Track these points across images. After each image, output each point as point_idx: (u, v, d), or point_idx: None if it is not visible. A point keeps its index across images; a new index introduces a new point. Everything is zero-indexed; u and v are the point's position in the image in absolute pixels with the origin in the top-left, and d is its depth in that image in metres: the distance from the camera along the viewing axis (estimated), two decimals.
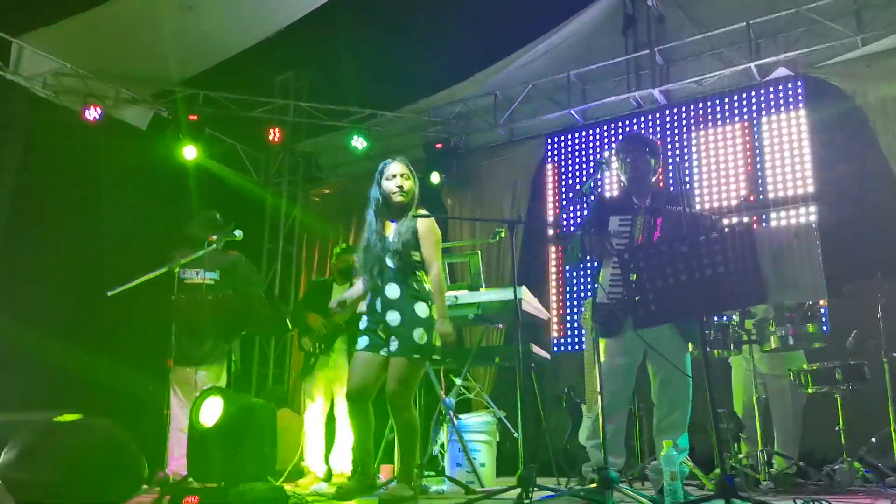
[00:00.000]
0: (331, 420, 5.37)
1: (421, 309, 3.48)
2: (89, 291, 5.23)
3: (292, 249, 8.85)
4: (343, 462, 5.15)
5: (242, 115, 7.99)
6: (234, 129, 8.20)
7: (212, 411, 3.15)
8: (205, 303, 3.74)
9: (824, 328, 5.64)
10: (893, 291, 4.56)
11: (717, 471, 3.30)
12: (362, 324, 3.60)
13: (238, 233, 4.49)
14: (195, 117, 7.52)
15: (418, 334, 3.44)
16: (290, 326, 4.71)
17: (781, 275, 3.00)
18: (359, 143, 7.80)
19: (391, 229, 3.60)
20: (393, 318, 3.47)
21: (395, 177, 3.59)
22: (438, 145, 7.73)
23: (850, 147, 6.14)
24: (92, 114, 6.92)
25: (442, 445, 4.59)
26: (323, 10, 6.93)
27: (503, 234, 3.81)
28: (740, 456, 4.42)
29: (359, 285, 3.73)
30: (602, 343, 3.65)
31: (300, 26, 7.13)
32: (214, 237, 4.42)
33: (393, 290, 3.51)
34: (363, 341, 3.55)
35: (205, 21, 6.70)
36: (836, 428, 4.41)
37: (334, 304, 3.75)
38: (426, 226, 3.56)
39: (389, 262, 3.52)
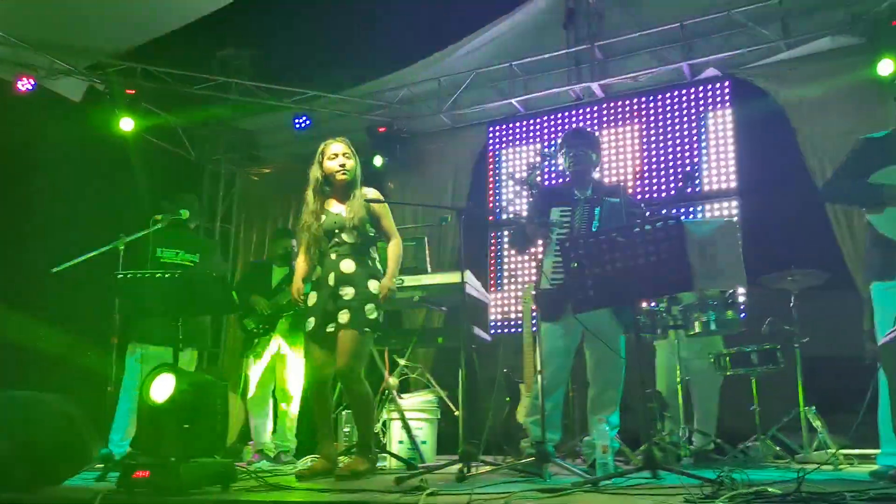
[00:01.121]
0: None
1: (373, 285, 3.62)
2: (30, 268, 5.13)
3: (230, 229, 8.79)
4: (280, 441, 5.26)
5: (181, 90, 7.87)
6: (172, 104, 8.07)
7: (163, 388, 3.19)
8: (151, 280, 3.75)
9: (742, 315, 6.03)
10: (805, 281, 4.93)
11: (644, 446, 3.55)
12: (310, 300, 3.67)
13: (184, 212, 4.51)
14: (133, 91, 7.37)
15: (370, 308, 3.56)
16: (237, 305, 4.75)
17: (706, 265, 3.25)
18: (301, 123, 7.80)
19: (334, 206, 3.71)
20: (347, 291, 3.57)
21: (338, 156, 3.70)
22: (382, 129, 7.80)
23: (772, 145, 6.53)
24: (24, 85, 6.72)
25: (384, 423, 4.73)
26: None
27: (450, 220, 3.97)
28: (664, 433, 4.72)
29: (303, 265, 3.79)
30: (543, 326, 3.86)
31: (245, 3, 7.08)
32: (160, 217, 4.45)
33: (348, 265, 3.62)
34: (310, 324, 3.63)
35: None
36: (752, 408, 4.77)
37: (299, 293, 3.79)
38: (379, 199, 3.71)
39: (347, 238, 3.62)
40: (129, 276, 3.60)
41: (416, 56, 7.79)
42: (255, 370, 5.33)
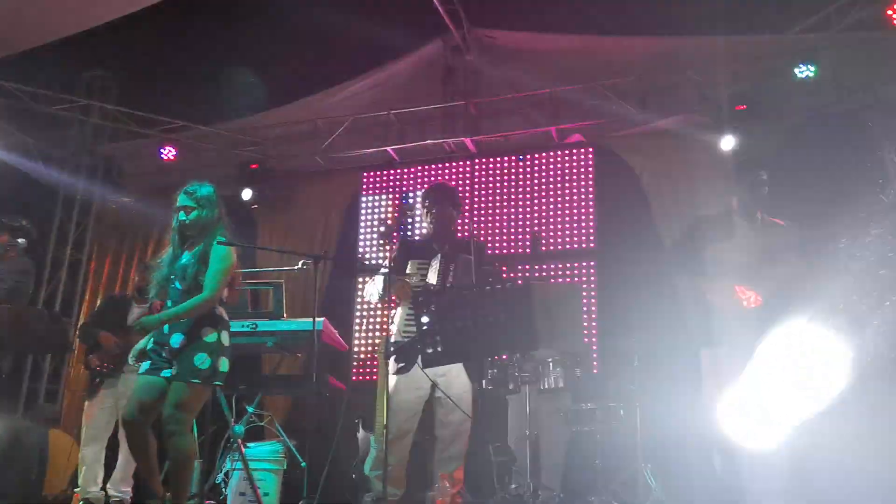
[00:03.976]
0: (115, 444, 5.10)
1: (207, 334, 3.50)
2: None
3: (81, 258, 8.26)
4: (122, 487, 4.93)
5: (39, 109, 7.43)
6: (28, 123, 7.58)
7: None
8: None
9: (594, 371, 6.28)
10: (649, 343, 5.20)
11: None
12: (148, 344, 3.55)
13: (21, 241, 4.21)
14: None
15: (201, 359, 3.45)
16: (70, 344, 4.45)
17: (551, 326, 3.38)
18: (168, 153, 7.52)
19: (187, 255, 3.63)
20: (176, 340, 3.47)
21: (180, 210, 3.64)
22: (254, 166, 7.66)
23: (628, 211, 6.91)
24: None
25: (226, 473, 4.53)
26: (144, 13, 6.66)
27: (308, 266, 3.92)
28: (511, 487, 4.79)
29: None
30: (393, 379, 3.85)
31: (117, 25, 6.80)
32: None
33: None
34: (146, 365, 3.52)
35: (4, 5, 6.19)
36: (596, 462, 4.93)
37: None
38: (220, 252, 3.59)
39: (178, 284, 3.52)
40: None
41: (294, 95, 7.75)
42: (92, 412, 5.00)
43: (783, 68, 6.27)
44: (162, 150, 7.56)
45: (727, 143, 6.29)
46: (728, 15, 6.04)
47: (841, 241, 3.69)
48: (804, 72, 6.12)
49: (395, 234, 3.94)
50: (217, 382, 3.53)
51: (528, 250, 6.89)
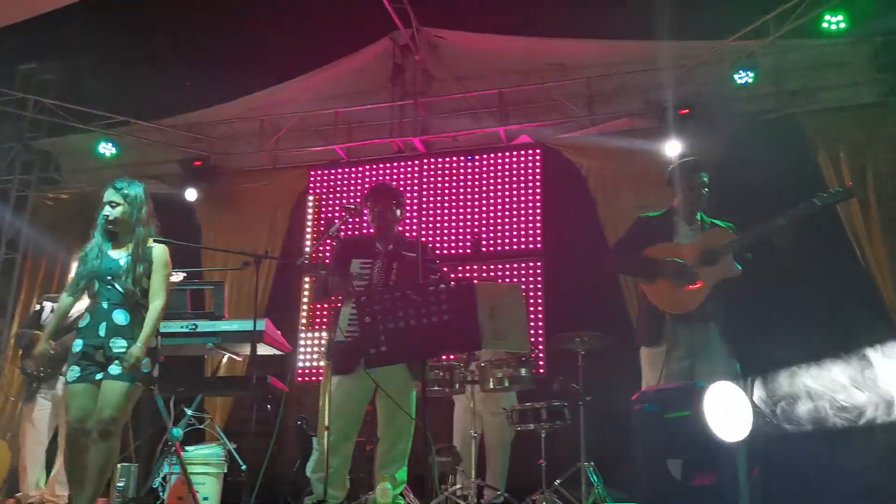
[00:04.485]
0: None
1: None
2: None
3: (16, 258, 7.97)
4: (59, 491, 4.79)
5: None
6: None
7: None
8: None
9: (542, 371, 6.31)
10: (592, 343, 5.26)
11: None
12: (76, 347, 3.46)
13: None
14: None
15: (144, 363, 3.39)
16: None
17: (494, 326, 3.38)
18: (107, 149, 7.32)
19: (113, 252, 3.55)
20: (119, 344, 3.42)
21: (105, 205, 3.57)
22: (197, 163, 7.50)
23: (575, 212, 6.97)
24: None
25: (164, 478, 4.42)
26: (85, 5, 6.46)
27: (250, 266, 3.85)
28: (456, 487, 4.78)
29: (66, 300, 3.59)
30: (335, 379, 3.80)
31: (56, 17, 6.57)
32: None
33: (121, 317, 3.47)
34: (75, 372, 3.43)
35: None
36: (539, 462, 4.96)
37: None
38: (161, 256, 3.56)
39: (119, 287, 3.43)
40: None
41: (239, 92, 7.60)
42: (31, 417, 4.87)
43: (724, 74, 6.42)
44: (102, 146, 7.33)
45: (672, 147, 6.40)
46: (672, 21, 6.16)
47: (775, 242, 3.80)
48: (743, 77, 6.28)
49: (339, 234, 3.87)
50: (151, 386, 3.47)
51: (476, 251, 6.89)
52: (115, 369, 3.37)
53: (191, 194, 7.33)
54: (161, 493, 4.46)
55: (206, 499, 4.32)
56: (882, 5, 5.95)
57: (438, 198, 7.34)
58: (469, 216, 7.20)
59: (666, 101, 6.64)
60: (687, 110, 6.51)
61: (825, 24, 6.00)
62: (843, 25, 5.96)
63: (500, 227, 7.08)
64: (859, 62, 6.28)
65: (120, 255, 3.53)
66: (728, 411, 3.18)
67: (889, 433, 4.64)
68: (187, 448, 4.46)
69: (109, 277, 3.47)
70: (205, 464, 4.40)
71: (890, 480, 4.94)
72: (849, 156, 6.12)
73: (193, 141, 7.72)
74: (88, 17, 6.70)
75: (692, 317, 3.80)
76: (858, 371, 5.53)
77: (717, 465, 3.18)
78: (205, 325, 4.37)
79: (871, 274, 5.83)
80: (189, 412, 4.50)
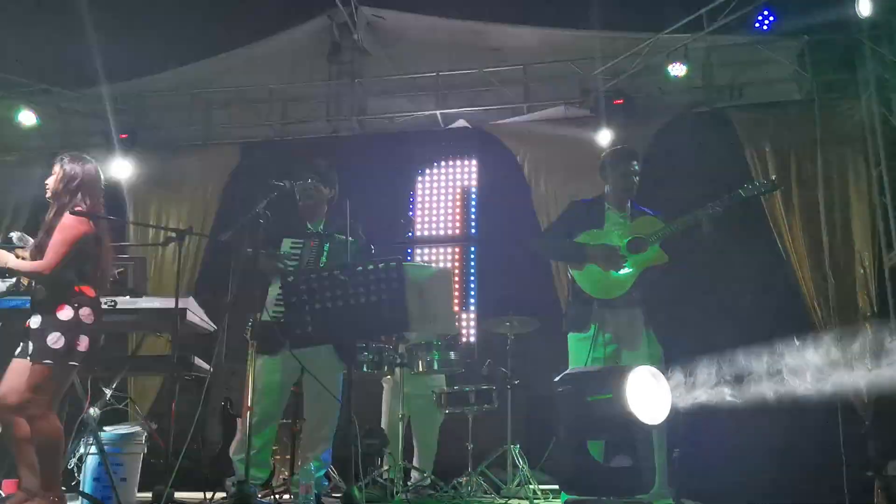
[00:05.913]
0: None
1: (64, 312, 3.30)
2: None
3: None
4: None
5: None
6: None
7: None
8: None
9: (474, 356, 6.34)
10: (521, 327, 5.32)
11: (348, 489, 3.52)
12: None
13: None
14: None
15: (53, 338, 3.27)
16: None
17: (423, 309, 3.37)
18: (26, 118, 6.97)
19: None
20: (35, 320, 3.32)
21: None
22: (123, 136, 7.21)
23: (509, 198, 7.01)
24: None
25: (80, 458, 4.27)
26: None
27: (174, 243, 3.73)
28: (384, 468, 4.79)
29: None
30: (259, 360, 3.72)
31: None
32: None
33: (38, 291, 3.36)
34: (20, 347, 3.37)
35: None
36: (466, 444, 5.01)
37: None
38: (65, 220, 3.39)
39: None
40: None
41: (169, 64, 7.34)
42: None
43: (657, 66, 6.53)
44: (21, 115, 6.98)
45: (604, 136, 6.49)
46: (608, 12, 6.23)
47: (702, 231, 3.90)
48: (676, 70, 6.40)
49: (267, 212, 3.78)
50: (72, 362, 3.33)
51: (408, 234, 6.88)
52: (30, 347, 3.28)
53: (117, 165, 7.05)
54: (76, 474, 4.31)
55: (123, 479, 4.19)
56: (810, 4, 6.15)
57: (372, 179, 7.26)
58: (403, 199, 7.15)
59: (600, 90, 6.73)
60: (621, 100, 6.60)
61: (756, 23, 6.17)
62: (772, 21, 6.14)
63: (434, 211, 7.07)
64: (786, 60, 6.47)
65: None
66: (649, 395, 3.26)
67: (795, 418, 4.86)
68: (105, 429, 4.32)
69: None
70: (125, 444, 4.26)
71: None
72: (774, 151, 6.32)
73: (121, 113, 7.41)
74: None
75: (619, 303, 3.88)
76: (776, 360, 5.76)
77: (635, 447, 3.26)
78: (125, 302, 4.21)
79: (793, 266, 6.04)
80: (107, 391, 4.35)
